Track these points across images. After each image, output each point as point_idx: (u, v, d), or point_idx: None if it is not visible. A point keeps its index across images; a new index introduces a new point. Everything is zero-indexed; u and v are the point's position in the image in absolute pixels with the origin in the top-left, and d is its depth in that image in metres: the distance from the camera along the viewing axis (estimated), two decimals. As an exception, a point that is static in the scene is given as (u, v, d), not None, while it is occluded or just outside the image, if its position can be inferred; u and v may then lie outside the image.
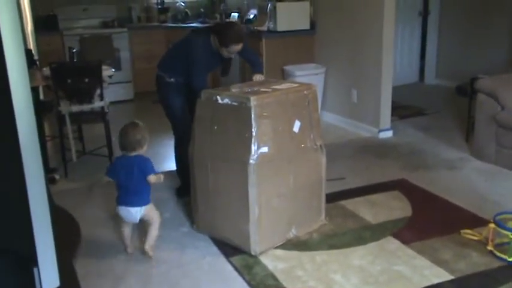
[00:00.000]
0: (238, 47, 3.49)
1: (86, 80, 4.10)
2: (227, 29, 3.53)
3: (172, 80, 3.69)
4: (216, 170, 2.98)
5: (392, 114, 5.23)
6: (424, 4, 7.37)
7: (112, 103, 5.33)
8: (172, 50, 3.80)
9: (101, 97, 4.22)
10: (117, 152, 4.64)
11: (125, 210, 2.92)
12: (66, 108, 4.15)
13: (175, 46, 3.77)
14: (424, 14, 7.39)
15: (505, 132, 4.03)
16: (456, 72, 6.86)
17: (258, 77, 3.59)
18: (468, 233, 3.05)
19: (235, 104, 2.83)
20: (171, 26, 7.28)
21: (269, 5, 5.73)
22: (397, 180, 3.97)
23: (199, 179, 3.11)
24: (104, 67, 4.25)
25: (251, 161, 2.76)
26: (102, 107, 4.26)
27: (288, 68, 5.64)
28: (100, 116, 4.31)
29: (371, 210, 3.47)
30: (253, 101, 2.74)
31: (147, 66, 7.08)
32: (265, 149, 2.81)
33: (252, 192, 2.80)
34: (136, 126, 2.96)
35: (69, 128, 4.23)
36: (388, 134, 5.10)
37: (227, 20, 7.22)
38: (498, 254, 2.80)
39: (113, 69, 4.63)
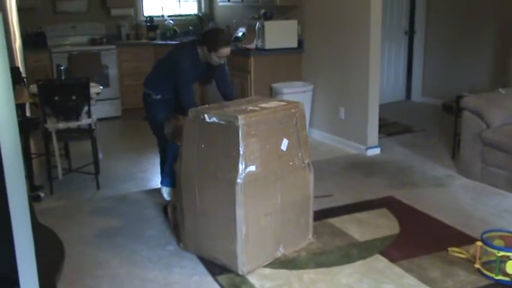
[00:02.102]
0: (227, 50, 3.53)
1: (73, 97, 4.08)
2: (214, 33, 3.63)
3: (159, 96, 3.69)
4: (203, 188, 2.97)
5: (379, 132, 5.26)
6: (410, 23, 7.47)
7: (100, 120, 5.30)
8: (157, 66, 3.81)
9: (88, 114, 4.20)
10: (104, 169, 4.63)
11: None
12: (53, 125, 4.12)
13: (160, 62, 3.78)
14: (410, 33, 7.48)
15: (490, 150, 4.06)
16: (442, 90, 6.94)
17: None
18: (455, 251, 3.06)
19: (222, 122, 2.83)
20: (159, 43, 7.30)
21: (257, 23, 5.78)
22: (384, 198, 3.98)
23: (186, 197, 3.09)
24: (91, 84, 4.24)
25: (238, 180, 2.75)
26: (90, 124, 4.24)
27: (276, 85, 5.67)
28: (87, 133, 4.28)
29: (359, 228, 3.46)
30: (241, 120, 2.74)
31: (135, 83, 7.06)
32: (252, 168, 2.80)
33: (239, 211, 2.79)
34: (168, 122, 3.42)
35: (55, 145, 4.19)
36: (376, 151, 5.13)
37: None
38: (485, 272, 2.80)
39: (101, 87, 4.62)
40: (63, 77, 4.65)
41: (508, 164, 3.93)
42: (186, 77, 3.54)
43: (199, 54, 3.59)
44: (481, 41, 6.45)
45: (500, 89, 4.48)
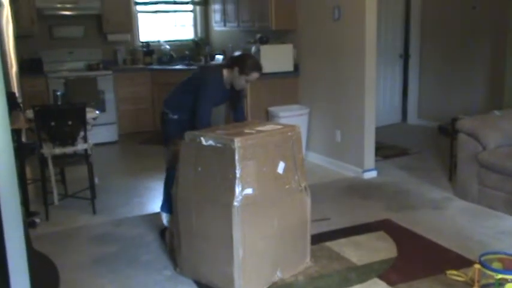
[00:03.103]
0: (258, 75, 3.63)
1: (70, 122, 4.09)
2: (248, 57, 3.79)
3: (175, 117, 3.74)
4: (200, 211, 2.96)
5: (376, 154, 5.26)
6: (405, 47, 7.55)
7: (96, 145, 5.29)
8: (180, 86, 3.83)
9: (85, 139, 4.20)
10: (100, 194, 4.60)
11: None
12: (49, 150, 4.12)
13: (182, 83, 3.82)
14: (405, 57, 7.56)
15: (486, 172, 4.07)
16: (438, 112, 6.98)
17: None
18: (454, 274, 3.04)
19: (219, 145, 2.84)
20: (156, 68, 7.35)
21: (253, 47, 5.83)
22: (382, 221, 3.96)
23: (182, 220, 3.08)
24: (88, 109, 4.25)
25: (235, 203, 2.75)
26: (86, 150, 4.23)
27: (272, 109, 5.70)
28: (83, 158, 4.27)
29: (356, 251, 3.44)
30: (237, 143, 2.75)
31: (132, 108, 7.12)
32: (249, 191, 2.80)
33: (236, 235, 2.77)
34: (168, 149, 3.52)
35: (51, 170, 4.18)
36: (373, 174, 5.13)
37: (212, 61, 7.34)
38: (484, 294, 2.78)
39: (97, 112, 4.62)
40: (59, 103, 4.65)
41: (505, 186, 3.93)
42: (207, 99, 3.58)
43: (224, 78, 3.65)
44: (475, 63, 6.52)
45: (495, 111, 4.51)
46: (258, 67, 3.62)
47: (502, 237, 3.60)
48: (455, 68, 6.82)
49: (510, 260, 2.83)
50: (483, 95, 6.42)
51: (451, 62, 6.87)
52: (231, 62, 3.70)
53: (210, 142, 2.87)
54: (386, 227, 3.84)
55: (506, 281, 2.69)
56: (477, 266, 2.83)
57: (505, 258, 2.88)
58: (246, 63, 3.60)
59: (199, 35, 8.19)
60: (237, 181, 2.75)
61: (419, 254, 3.40)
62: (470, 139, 4.20)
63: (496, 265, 2.81)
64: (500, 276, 2.70)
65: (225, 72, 3.64)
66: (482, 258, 2.87)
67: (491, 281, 2.78)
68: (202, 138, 2.91)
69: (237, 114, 3.87)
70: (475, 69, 6.52)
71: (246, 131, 3.02)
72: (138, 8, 7.68)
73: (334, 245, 3.55)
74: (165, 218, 3.65)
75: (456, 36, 6.78)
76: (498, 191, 4.00)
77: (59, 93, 4.66)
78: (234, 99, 3.82)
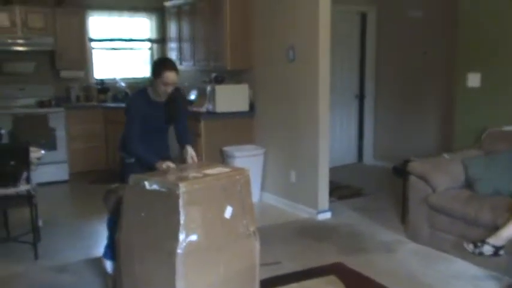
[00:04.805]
0: (172, 74, 3.43)
1: (12, 162, 3.91)
2: (158, 60, 3.72)
3: (132, 160, 3.57)
4: (143, 258, 2.83)
5: (331, 195, 5.25)
6: (360, 88, 7.68)
7: (45, 184, 5.09)
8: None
9: (28, 180, 4.02)
10: (45, 238, 4.38)
11: None
12: (-12, 192, 3.92)
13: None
14: (361, 97, 7.68)
15: (436, 215, 4.09)
16: (392, 153, 7.06)
17: (189, 151, 3.59)
18: (403, 321, 2.99)
19: (163, 190, 2.74)
20: (110, 106, 7.21)
21: (208, 87, 5.81)
22: (333, 264, 3.90)
23: (125, 266, 2.94)
24: (32, 149, 4.09)
25: (179, 251, 2.64)
26: (28, 191, 4.05)
27: (227, 149, 5.64)
28: (26, 200, 4.08)
29: (307, 297, 3.36)
30: (182, 188, 2.66)
31: (84, 146, 6.95)
32: (194, 237, 2.70)
33: (180, 283, 2.65)
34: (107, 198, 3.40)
35: (-10, 213, 3.98)
36: (327, 215, 5.09)
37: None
38: None
39: (43, 151, 4.43)
40: (1, 141, 4.46)
41: (454, 228, 3.95)
42: (130, 115, 3.49)
43: (149, 92, 3.55)
44: (427, 105, 6.68)
45: (444, 154, 4.57)
46: (167, 66, 3.47)
47: (452, 281, 3.60)
48: (409, 110, 6.96)
49: (458, 306, 2.82)
50: (435, 137, 6.56)
51: (405, 104, 7.02)
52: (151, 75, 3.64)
53: (154, 186, 2.78)
54: (337, 270, 3.78)
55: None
56: (425, 313, 2.80)
57: (453, 304, 2.87)
58: (156, 65, 3.54)
59: (156, 72, 8.12)
60: (181, 227, 2.65)
61: (369, 300, 3.35)
62: (421, 181, 4.24)
63: (444, 312, 2.78)
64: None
65: (149, 87, 3.57)
66: (431, 305, 2.84)
67: (439, 328, 2.74)
68: (146, 182, 2.81)
69: (179, 135, 3.77)
70: (428, 111, 6.67)
71: (193, 174, 2.95)
72: (94, 44, 7.59)
73: (284, 290, 3.46)
74: (109, 266, 3.49)
75: (409, 79, 6.95)
76: (448, 233, 4.02)
77: (2, 131, 4.48)
78: (175, 118, 3.71)
